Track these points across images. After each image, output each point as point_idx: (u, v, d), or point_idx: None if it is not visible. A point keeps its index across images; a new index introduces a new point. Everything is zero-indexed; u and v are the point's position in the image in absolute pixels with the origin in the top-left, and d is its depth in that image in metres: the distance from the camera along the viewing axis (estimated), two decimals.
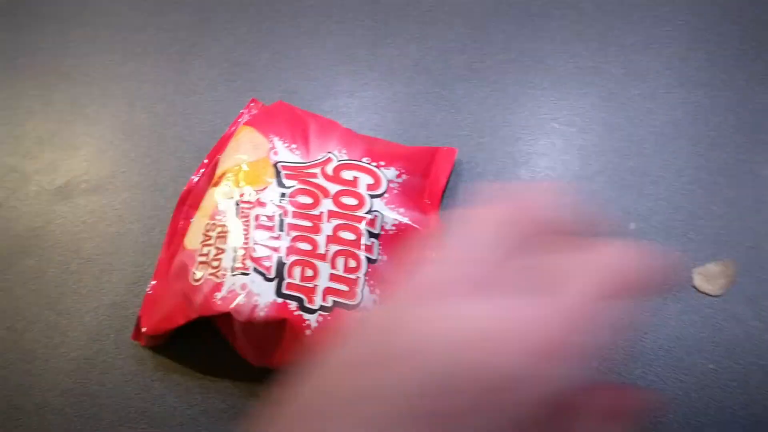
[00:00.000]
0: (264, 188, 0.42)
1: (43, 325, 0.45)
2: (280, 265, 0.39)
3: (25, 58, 0.57)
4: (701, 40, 0.50)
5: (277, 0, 0.56)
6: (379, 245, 0.41)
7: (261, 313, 0.38)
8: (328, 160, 0.43)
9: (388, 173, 0.44)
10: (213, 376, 0.43)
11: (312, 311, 0.39)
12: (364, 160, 0.44)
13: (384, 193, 0.43)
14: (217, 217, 0.42)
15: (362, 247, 0.41)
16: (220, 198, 0.42)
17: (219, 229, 0.41)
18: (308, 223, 0.41)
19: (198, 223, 0.43)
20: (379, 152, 0.45)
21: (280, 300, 0.38)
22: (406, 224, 0.42)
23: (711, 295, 0.41)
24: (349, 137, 0.45)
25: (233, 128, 0.48)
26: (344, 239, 0.41)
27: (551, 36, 0.51)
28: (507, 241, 0.25)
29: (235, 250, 0.40)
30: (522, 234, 0.26)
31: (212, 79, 0.53)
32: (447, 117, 0.49)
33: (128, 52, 0.55)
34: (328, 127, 0.45)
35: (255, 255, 0.40)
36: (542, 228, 0.27)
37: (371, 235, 0.41)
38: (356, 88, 0.51)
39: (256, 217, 0.41)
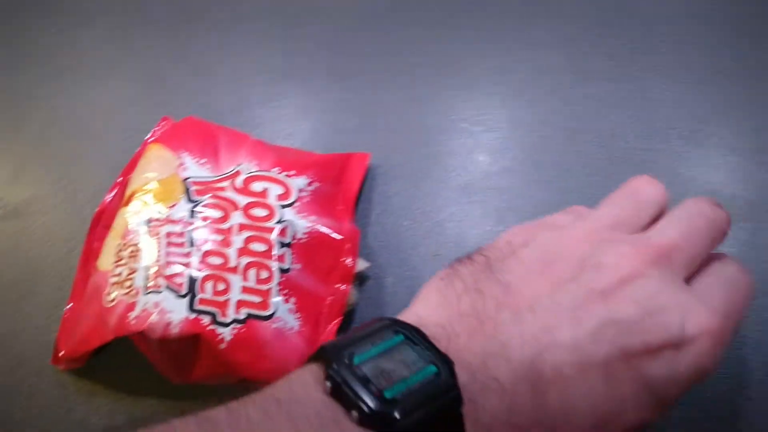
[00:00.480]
0: (174, 205, 0.42)
1: None
2: (192, 281, 0.40)
3: None
4: (600, 35, 0.51)
5: (192, 15, 0.56)
6: (292, 254, 0.42)
7: (174, 330, 0.38)
8: (237, 173, 0.44)
9: (299, 182, 0.44)
10: (137, 395, 0.43)
11: (225, 324, 0.39)
12: (274, 170, 0.44)
13: (294, 202, 0.43)
14: (129, 237, 0.42)
15: (274, 257, 0.41)
16: (131, 217, 0.42)
17: (131, 249, 0.41)
18: (219, 237, 0.41)
19: (110, 244, 0.43)
20: (290, 162, 0.45)
21: (192, 316, 0.39)
22: (318, 231, 0.43)
23: None
24: (259, 149, 0.45)
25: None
26: (255, 251, 0.41)
27: (460, 38, 0.52)
28: None
29: (146, 269, 0.40)
30: None
31: (127, 97, 0.53)
32: (361, 122, 0.50)
33: (41, 73, 0.55)
34: (238, 140, 0.46)
35: (167, 273, 0.40)
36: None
37: (283, 244, 0.42)
38: (270, 98, 0.52)
39: (167, 235, 0.41)
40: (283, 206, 0.43)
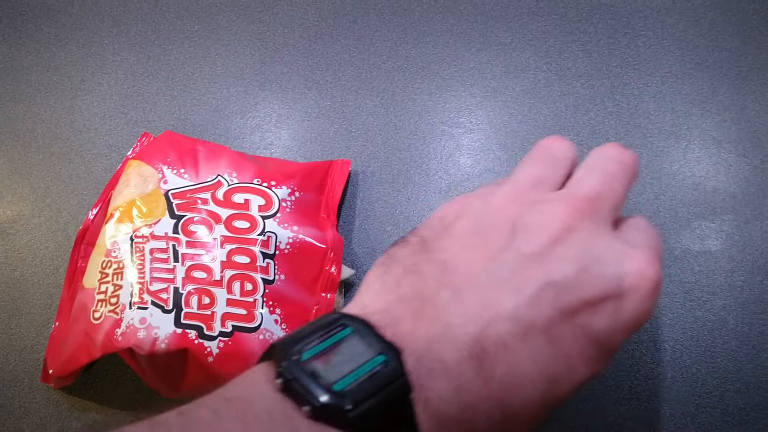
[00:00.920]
0: (157, 221, 0.42)
1: None
2: (177, 295, 0.40)
3: None
4: (576, 31, 0.51)
5: (162, 30, 0.56)
6: (276, 265, 0.42)
7: (162, 345, 0.39)
8: (219, 183, 0.44)
9: (280, 192, 0.44)
10: (130, 410, 0.44)
11: (212, 338, 0.39)
12: (255, 181, 0.44)
13: (276, 212, 0.43)
14: (113, 254, 0.42)
15: (258, 269, 0.41)
16: (114, 234, 0.42)
17: (115, 266, 0.41)
18: (202, 251, 0.41)
19: (95, 261, 0.43)
20: (271, 172, 0.45)
21: (179, 330, 0.39)
22: (301, 241, 0.43)
23: None
24: (239, 160, 0.45)
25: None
26: (239, 263, 0.41)
27: (434, 40, 0.52)
28: None
29: (132, 285, 0.40)
30: None
31: (104, 114, 0.53)
32: (340, 129, 0.50)
33: (17, 92, 0.54)
34: (218, 152, 0.46)
35: (152, 288, 0.40)
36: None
37: (266, 256, 0.42)
38: (247, 109, 0.52)
39: (151, 251, 0.41)
40: (265, 217, 0.43)
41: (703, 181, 0.46)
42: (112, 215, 0.43)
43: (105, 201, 0.47)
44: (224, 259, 0.41)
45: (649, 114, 0.48)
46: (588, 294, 0.26)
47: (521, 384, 0.25)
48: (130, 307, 0.40)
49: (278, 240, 0.42)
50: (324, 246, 0.43)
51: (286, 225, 0.43)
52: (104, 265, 0.42)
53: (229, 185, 0.44)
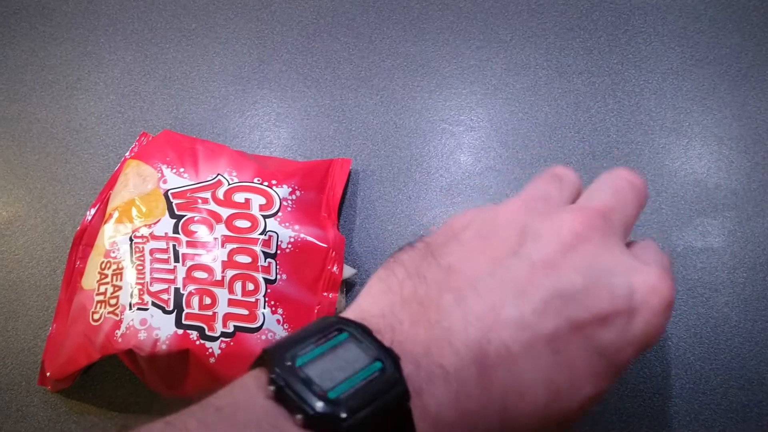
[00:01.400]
0: (157, 221, 0.42)
1: None
2: (178, 296, 0.39)
3: None
4: (576, 28, 0.51)
5: (159, 28, 0.55)
6: (277, 264, 0.42)
7: (163, 346, 0.38)
8: (219, 183, 0.43)
9: (281, 191, 0.44)
10: (129, 412, 0.43)
11: (213, 339, 0.39)
12: (256, 180, 0.44)
13: (277, 212, 0.43)
14: (112, 255, 0.41)
15: (259, 268, 0.41)
16: (113, 235, 0.42)
17: (114, 267, 0.41)
18: (203, 251, 0.41)
19: (93, 262, 0.43)
20: (271, 171, 0.45)
21: (180, 331, 0.38)
22: (302, 240, 0.43)
23: None
24: (238, 159, 0.45)
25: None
26: (240, 263, 0.41)
27: (433, 38, 0.52)
28: None
29: (131, 286, 0.40)
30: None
31: (101, 113, 0.52)
32: (339, 128, 0.50)
33: (12, 92, 0.54)
34: (217, 151, 0.45)
35: (152, 289, 0.40)
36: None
37: (267, 255, 0.41)
38: (246, 107, 0.51)
39: (151, 251, 0.41)
40: (266, 216, 0.43)
41: (704, 178, 0.46)
42: (110, 215, 0.43)
43: (103, 201, 0.47)
44: (225, 259, 0.41)
45: (650, 111, 0.48)
46: (597, 306, 0.26)
47: (522, 392, 0.25)
48: (130, 308, 0.39)
49: (279, 239, 0.42)
50: (325, 245, 0.43)
51: (287, 224, 0.43)
52: (103, 265, 0.41)
53: (229, 184, 0.43)
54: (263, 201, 0.43)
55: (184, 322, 0.39)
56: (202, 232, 0.41)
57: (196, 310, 0.39)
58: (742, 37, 0.50)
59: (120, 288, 0.40)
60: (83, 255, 0.45)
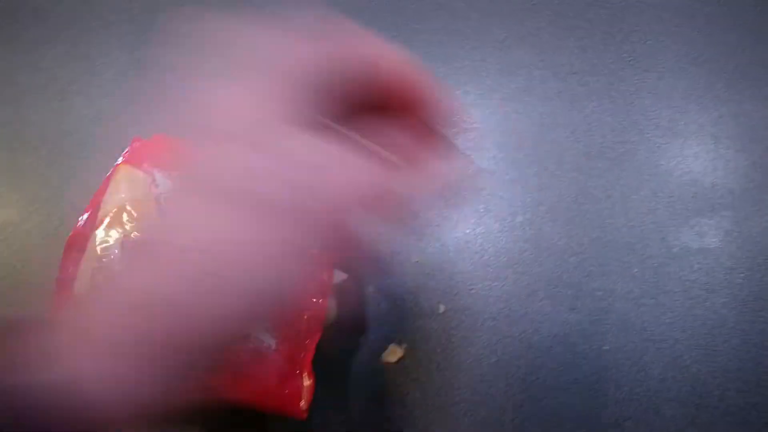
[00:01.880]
0: None
1: None
2: None
3: None
4: (570, 27, 0.51)
5: (153, 27, 0.55)
6: None
7: None
8: None
9: None
10: None
11: None
12: None
13: None
14: (104, 260, 0.41)
15: None
16: (105, 240, 0.42)
17: (106, 273, 0.41)
18: None
19: (86, 268, 0.42)
20: None
21: None
22: None
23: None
24: None
25: None
26: None
27: (427, 38, 0.52)
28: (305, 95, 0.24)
29: None
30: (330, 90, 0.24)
31: (94, 116, 0.52)
32: None
33: (4, 95, 0.54)
34: None
35: None
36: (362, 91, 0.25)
37: None
38: None
39: None
40: None
41: (701, 178, 0.45)
42: (102, 221, 0.43)
43: (95, 206, 0.46)
44: None
45: (645, 110, 0.48)
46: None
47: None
48: None
49: None
50: (315, 250, 0.43)
51: None
52: (95, 271, 0.41)
53: None
54: None
55: None
56: None
57: None
58: (738, 34, 0.49)
59: None
60: (76, 261, 0.45)
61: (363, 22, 0.53)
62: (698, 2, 0.50)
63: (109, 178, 0.47)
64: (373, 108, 0.26)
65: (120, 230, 0.41)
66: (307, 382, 0.40)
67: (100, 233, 0.42)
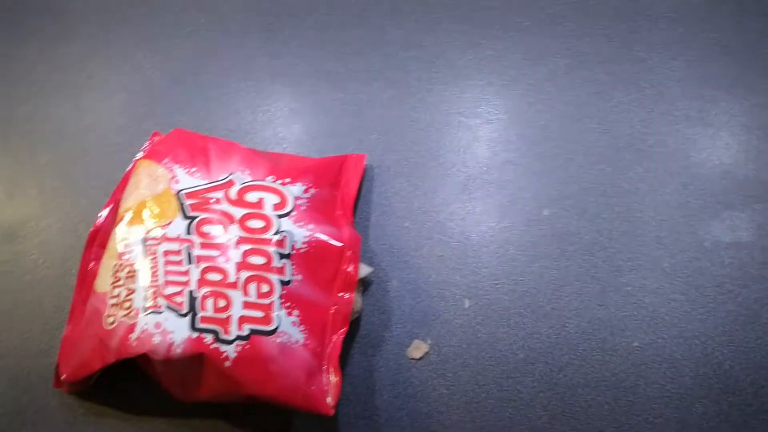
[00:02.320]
0: (169, 222, 0.41)
1: None
2: (192, 299, 0.39)
3: None
4: (595, 14, 0.49)
5: (168, 23, 0.55)
6: (292, 265, 0.41)
7: (178, 350, 0.38)
8: (231, 182, 0.42)
9: (295, 189, 0.43)
10: (145, 415, 0.43)
11: (229, 342, 0.38)
12: (269, 179, 0.43)
13: (291, 211, 0.42)
14: (125, 257, 0.41)
15: (274, 269, 0.40)
16: (126, 237, 0.41)
17: (128, 269, 0.40)
18: (216, 253, 0.40)
19: (107, 265, 0.42)
20: (284, 169, 0.44)
21: (195, 335, 0.38)
22: (317, 240, 0.42)
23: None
24: (251, 157, 0.44)
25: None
26: (254, 264, 0.40)
27: (448, 27, 0.51)
28: None
29: (145, 289, 0.39)
30: None
31: (112, 111, 0.52)
32: (354, 122, 0.49)
33: (23, 91, 0.53)
34: (229, 149, 0.44)
35: (166, 292, 0.39)
36: None
37: (282, 256, 0.40)
38: (258, 103, 0.50)
39: (164, 253, 0.40)
40: (280, 216, 0.42)
41: (732, 169, 0.44)
42: (122, 217, 0.42)
43: (115, 201, 0.46)
44: (239, 260, 0.40)
45: (674, 100, 0.46)
46: None
47: None
48: (144, 312, 0.39)
49: (294, 239, 0.41)
50: (341, 244, 0.42)
51: (301, 223, 0.42)
52: (116, 268, 0.41)
53: (242, 183, 0.42)
54: (277, 200, 0.42)
55: (198, 325, 0.38)
56: (215, 233, 0.41)
57: (210, 313, 0.38)
58: None
59: (133, 291, 0.40)
60: (97, 256, 0.45)
61: (381, 12, 0.53)
62: None
63: (129, 173, 0.46)
64: None
65: (141, 226, 0.41)
66: (334, 378, 0.40)
67: (121, 230, 0.42)
